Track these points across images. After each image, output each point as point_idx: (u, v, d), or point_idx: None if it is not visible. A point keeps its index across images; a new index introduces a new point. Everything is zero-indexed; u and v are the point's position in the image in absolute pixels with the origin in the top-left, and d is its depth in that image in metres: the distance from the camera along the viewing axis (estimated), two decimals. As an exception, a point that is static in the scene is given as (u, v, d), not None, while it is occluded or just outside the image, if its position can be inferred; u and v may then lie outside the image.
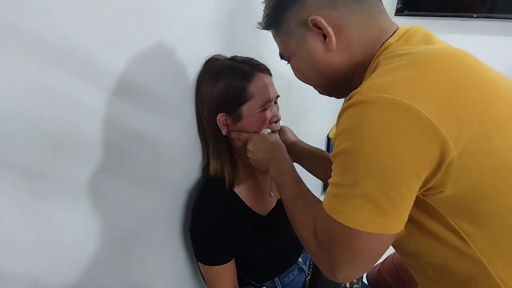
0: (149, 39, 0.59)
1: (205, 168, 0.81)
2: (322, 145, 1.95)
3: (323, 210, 0.45)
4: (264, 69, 0.73)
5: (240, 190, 0.79)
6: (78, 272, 0.56)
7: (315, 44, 0.52)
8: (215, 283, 0.75)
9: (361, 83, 0.44)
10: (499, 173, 0.41)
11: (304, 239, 0.52)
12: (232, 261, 0.76)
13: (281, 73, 0.62)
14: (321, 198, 0.47)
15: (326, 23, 0.49)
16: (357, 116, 0.41)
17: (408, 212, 0.42)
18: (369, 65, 0.50)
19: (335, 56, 0.52)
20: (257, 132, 0.73)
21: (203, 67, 0.74)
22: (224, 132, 0.72)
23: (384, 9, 0.53)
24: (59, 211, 0.50)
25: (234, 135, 0.73)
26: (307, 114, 1.53)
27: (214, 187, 0.76)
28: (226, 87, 0.68)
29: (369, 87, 0.41)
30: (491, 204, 0.42)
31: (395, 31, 0.51)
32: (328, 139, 1.99)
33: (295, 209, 0.58)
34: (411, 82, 0.39)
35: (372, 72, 0.46)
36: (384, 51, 0.48)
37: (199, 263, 0.77)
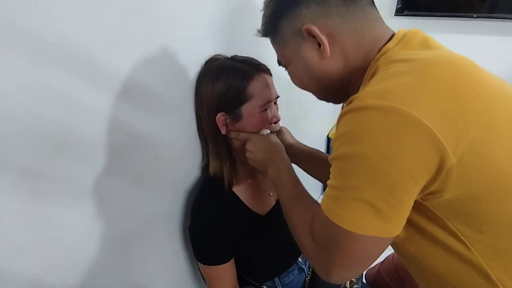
0: (149, 39, 0.59)
1: (205, 167, 0.81)
2: (322, 145, 1.95)
3: (321, 211, 0.45)
4: (264, 69, 0.73)
5: (239, 190, 0.79)
6: (78, 272, 0.56)
7: (310, 52, 0.54)
8: (214, 283, 0.75)
9: (359, 88, 0.44)
10: (497, 178, 0.41)
11: (300, 240, 0.53)
12: (232, 261, 0.76)
13: (281, 73, 0.62)
14: (321, 198, 0.47)
15: (320, 32, 0.50)
16: (356, 122, 0.41)
17: (407, 216, 0.42)
18: (366, 70, 0.51)
19: (330, 63, 0.53)
20: (256, 132, 0.73)
21: (203, 67, 0.73)
22: (223, 131, 0.72)
23: (379, 16, 0.54)
24: (59, 211, 0.50)
25: (233, 135, 0.73)
26: (307, 114, 1.53)
27: (213, 187, 0.76)
28: (226, 86, 0.68)
29: (368, 93, 0.41)
30: (490, 209, 0.42)
31: (393, 36, 0.51)
32: (328, 139, 2.00)
33: (293, 209, 0.58)
34: (410, 89, 0.39)
35: (371, 77, 0.47)
36: (383, 56, 0.49)
37: (198, 263, 0.77)
